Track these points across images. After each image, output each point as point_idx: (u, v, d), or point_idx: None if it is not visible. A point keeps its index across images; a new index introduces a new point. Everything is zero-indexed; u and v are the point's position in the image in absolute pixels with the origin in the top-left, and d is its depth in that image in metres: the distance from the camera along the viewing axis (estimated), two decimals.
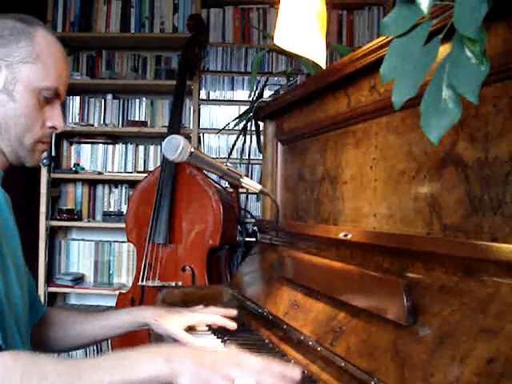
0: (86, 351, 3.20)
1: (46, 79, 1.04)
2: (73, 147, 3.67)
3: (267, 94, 2.73)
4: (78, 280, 3.46)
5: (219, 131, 3.15)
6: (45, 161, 3.35)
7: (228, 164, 1.59)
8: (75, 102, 3.63)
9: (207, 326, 1.41)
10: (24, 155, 1.07)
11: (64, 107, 3.61)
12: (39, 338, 1.21)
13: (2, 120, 1.03)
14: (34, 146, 1.07)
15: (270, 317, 1.34)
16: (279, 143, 1.78)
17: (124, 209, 3.47)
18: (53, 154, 3.45)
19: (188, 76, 3.09)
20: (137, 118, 3.61)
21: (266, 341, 1.31)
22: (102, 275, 3.54)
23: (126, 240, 2.82)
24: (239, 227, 2.70)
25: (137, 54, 3.65)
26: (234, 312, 1.38)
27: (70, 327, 1.27)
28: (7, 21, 1.04)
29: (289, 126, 1.69)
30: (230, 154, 2.81)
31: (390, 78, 0.74)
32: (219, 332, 1.35)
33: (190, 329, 1.30)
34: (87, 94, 3.64)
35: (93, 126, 3.59)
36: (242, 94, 3.47)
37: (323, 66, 1.67)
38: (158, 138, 3.54)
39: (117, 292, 2.85)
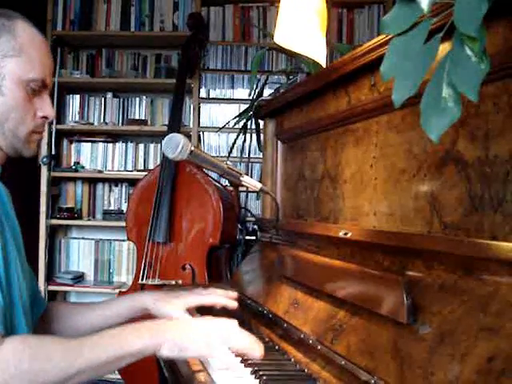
0: None
1: (31, 71, 1.05)
2: (73, 146, 3.67)
3: (267, 92, 2.73)
4: (78, 278, 3.46)
5: (219, 130, 3.15)
6: (45, 159, 3.35)
7: (228, 162, 1.59)
8: (75, 101, 3.63)
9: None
10: (20, 147, 1.09)
11: (64, 106, 3.61)
12: (42, 332, 1.22)
13: None
14: (29, 137, 1.08)
15: (270, 315, 1.34)
16: (279, 142, 1.78)
17: (124, 207, 3.47)
18: (53, 152, 3.45)
19: (188, 74, 3.08)
20: (137, 117, 3.60)
21: (266, 339, 1.31)
22: (102, 274, 3.54)
23: (126, 238, 2.82)
24: (239, 226, 2.69)
25: (137, 52, 3.65)
26: (234, 294, 1.37)
27: (71, 319, 1.28)
28: None
29: (289, 124, 1.69)
30: (230, 152, 2.81)
31: (390, 76, 0.74)
32: None
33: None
34: (87, 93, 3.64)
35: (93, 124, 3.58)
36: (242, 92, 3.47)
37: (323, 64, 1.67)
38: (158, 137, 3.53)
39: (117, 290, 2.85)
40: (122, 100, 3.63)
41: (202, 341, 0.99)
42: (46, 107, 1.09)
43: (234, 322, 1.06)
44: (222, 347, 0.99)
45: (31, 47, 1.06)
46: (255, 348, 1.01)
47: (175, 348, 0.98)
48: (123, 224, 2.84)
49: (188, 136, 3.35)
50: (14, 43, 1.03)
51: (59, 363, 0.90)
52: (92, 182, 3.62)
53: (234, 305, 1.32)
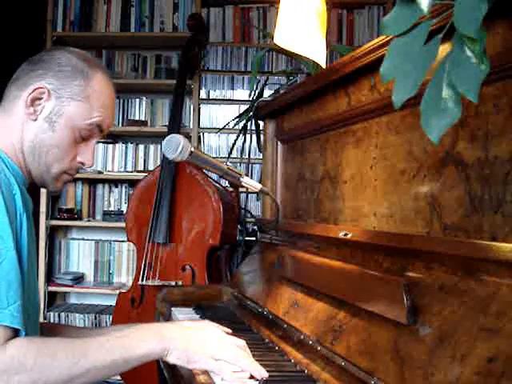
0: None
1: (87, 119, 1.09)
2: None
3: (267, 93, 2.73)
4: (78, 279, 3.46)
5: (219, 130, 3.15)
6: None
7: (228, 163, 1.59)
8: None
9: None
10: (48, 181, 1.12)
11: None
12: None
13: (37, 144, 1.08)
14: (60, 175, 1.12)
15: (270, 316, 1.34)
16: (279, 142, 1.78)
17: (124, 208, 3.47)
18: None
19: (188, 75, 3.08)
20: (137, 118, 3.60)
21: (266, 340, 1.31)
22: (102, 274, 3.54)
23: (125, 239, 2.82)
24: (239, 226, 2.69)
25: (137, 53, 3.65)
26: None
27: (65, 336, 1.26)
28: (73, 57, 1.11)
29: (289, 125, 1.69)
30: (230, 153, 2.81)
31: (390, 77, 0.74)
32: None
33: None
34: None
35: None
36: (242, 93, 3.47)
37: (323, 65, 1.67)
38: (158, 138, 3.53)
39: (117, 291, 2.85)
40: (122, 101, 3.62)
41: (209, 355, 1.00)
42: (87, 155, 1.13)
43: (243, 342, 1.07)
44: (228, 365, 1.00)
45: (97, 99, 1.10)
46: (260, 371, 1.01)
47: (183, 357, 0.99)
48: (123, 225, 2.84)
49: (188, 137, 3.35)
50: (83, 89, 1.08)
51: (64, 362, 0.90)
52: (92, 182, 3.62)
53: None
